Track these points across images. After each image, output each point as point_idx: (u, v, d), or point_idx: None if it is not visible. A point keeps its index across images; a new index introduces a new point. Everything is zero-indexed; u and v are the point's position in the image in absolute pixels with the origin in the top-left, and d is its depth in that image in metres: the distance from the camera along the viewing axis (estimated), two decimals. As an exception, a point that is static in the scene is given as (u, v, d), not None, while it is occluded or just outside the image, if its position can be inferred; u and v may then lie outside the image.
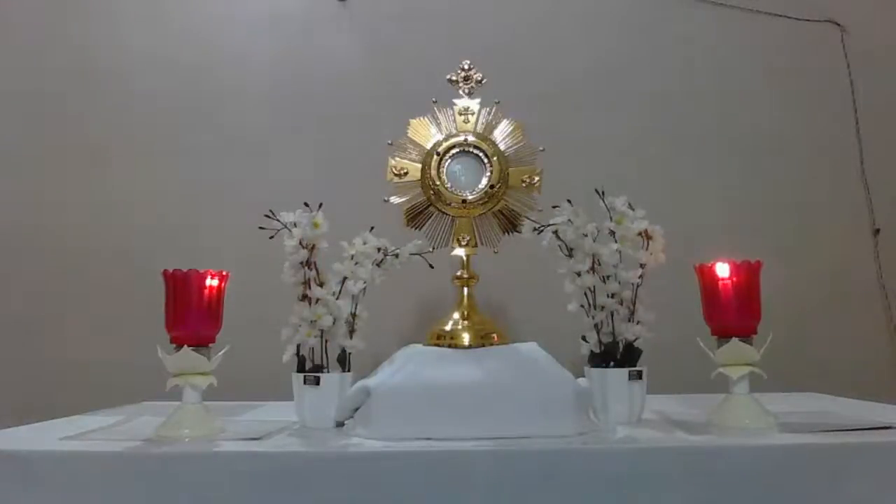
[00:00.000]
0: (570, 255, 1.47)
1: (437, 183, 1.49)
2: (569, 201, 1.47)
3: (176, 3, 2.20)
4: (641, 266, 1.45)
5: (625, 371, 1.42)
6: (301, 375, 1.40)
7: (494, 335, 1.45)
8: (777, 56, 2.20)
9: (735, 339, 1.34)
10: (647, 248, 1.46)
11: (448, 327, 1.47)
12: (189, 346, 1.30)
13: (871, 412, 1.44)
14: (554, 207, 1.48)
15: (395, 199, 1.51)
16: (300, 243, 1.41)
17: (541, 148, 1.53)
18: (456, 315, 1.48)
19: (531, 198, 1.52)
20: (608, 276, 1.46)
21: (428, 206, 1.51)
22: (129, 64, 2.17)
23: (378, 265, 1.49)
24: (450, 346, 1.43)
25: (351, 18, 2.19)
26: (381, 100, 2.12)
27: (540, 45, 2.19)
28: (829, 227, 2.15)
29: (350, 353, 1.45)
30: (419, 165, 1.51)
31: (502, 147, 1.52)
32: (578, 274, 1.46)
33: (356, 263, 1.47)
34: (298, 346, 1.41)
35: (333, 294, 1.43)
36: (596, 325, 1.46)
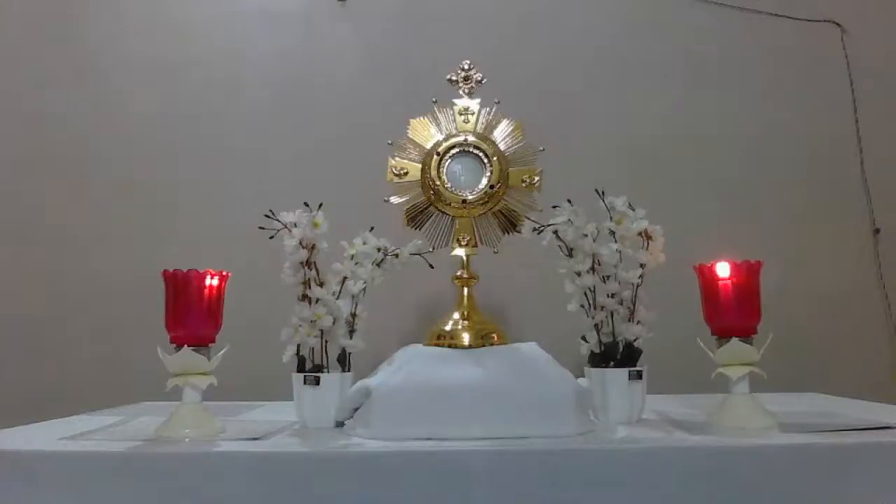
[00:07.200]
0: (570, 255, 1.47)
1: (437, 183, 1.49)
2: (569, 201, 1.47)
3: (175, 3, 2.20)
4: (641, 266, 1.45)
5: (625, 371, 1.42)
6: (301, 375, 1.40)
7: (494, 335, 1.45)
8: (777, 56, 2.20)
9: (735, 339, 1.34)
10: (647, 248, 1.46)
11: (448, 327, 1.47)
12: (189, 346, 1.30)
13: (871, 412, 1.44)
14: (554, 207, 1.48)
15: (395, 199, 1.51)
16: (300, 243, 1.41)
17: (541, 148, 1.53)
18: (456, 315, 1.48)
19: (531, 198, 1.52)
20: (608, 276, 1.46)
21: (428, 206, 1.51)
22: (128, 63, 2.17)
23: (378, 265, 1.48)
24: (450, 346, 1.43)
25: (351, 18, 2.19)
26: (381, 100, 2.12)
27: (540, 45, 2.19)
28: (829, 227, 2.15)
29: (350, 353, 1.45)
30: (419, 165, 1.51)
31: (502, 147, 1.52)
32: (578, 274, 1.46)
33: (356, 263, 1.47)
34: (298, 347, 1.41)
35: (333, 294, 1.43)
36: (596, 325, 1.46)
